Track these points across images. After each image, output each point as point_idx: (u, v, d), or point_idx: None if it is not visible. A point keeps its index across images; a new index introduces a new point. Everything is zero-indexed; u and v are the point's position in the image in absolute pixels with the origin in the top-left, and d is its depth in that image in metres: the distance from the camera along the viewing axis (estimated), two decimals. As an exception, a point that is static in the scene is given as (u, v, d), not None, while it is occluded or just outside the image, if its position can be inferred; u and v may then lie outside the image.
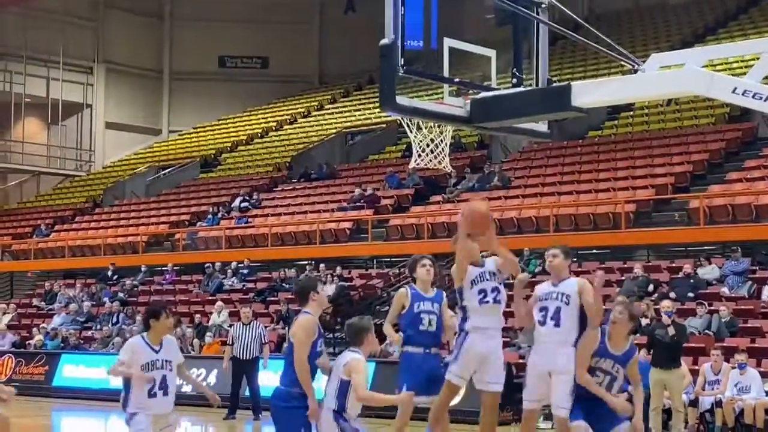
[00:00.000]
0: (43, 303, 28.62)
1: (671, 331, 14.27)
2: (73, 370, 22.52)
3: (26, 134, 41.92)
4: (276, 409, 7.41)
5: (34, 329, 25.37)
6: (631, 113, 29.28)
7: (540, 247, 22.40)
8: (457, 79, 8.34)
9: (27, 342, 24.94)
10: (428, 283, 9.10)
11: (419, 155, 8.77)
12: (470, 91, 8.39)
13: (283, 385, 7.33)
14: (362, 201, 27.32)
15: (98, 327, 25.13)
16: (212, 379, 20.05)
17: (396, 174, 28.33)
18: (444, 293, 9.22)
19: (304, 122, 39.83)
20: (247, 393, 16.94)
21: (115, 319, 25.10)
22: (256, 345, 16.81)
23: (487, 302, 8.46)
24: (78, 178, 41.90)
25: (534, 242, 22.66)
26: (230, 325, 22.54)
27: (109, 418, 18.60)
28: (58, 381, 22.46)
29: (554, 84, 8.49)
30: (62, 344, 24.25)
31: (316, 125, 38.30)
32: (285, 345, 7.60)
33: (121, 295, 26.83)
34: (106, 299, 26.69)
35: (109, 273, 28.64)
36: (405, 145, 29.99)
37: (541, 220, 23.17)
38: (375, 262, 25.75)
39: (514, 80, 8.43)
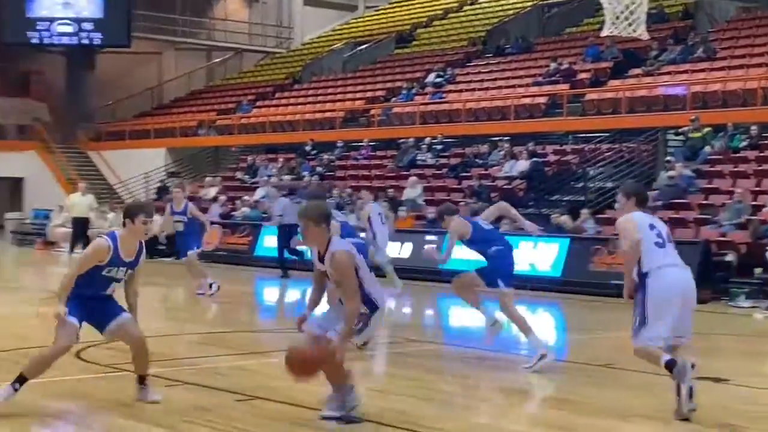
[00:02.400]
0: (246, 176, 29.71)
1: None
2: (273, 241, 23.36)
3: (228, 12, 42.97)
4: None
5: (238, 201, 26.47)
6: None
7: (746, 121, 21.41)
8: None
9: (232, 213, 26.02)
10: None
11: (612, 23, 8.41)
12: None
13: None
14: (558, 75, 26.71)
15: (298, 200, 25.84)
16: (406, 252, 20.41)
17: (596, 45, 27.46)
18: None
19: (499, -5, 39.03)
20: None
21: (313, 193, 25.79)
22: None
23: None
24: (278, 54, 42.77)
25: (739, 116, 21.66)
26: (424, 200, 22.85)
27: (304, 286, 19.30)
28: (259, 251, 23.41)
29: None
30: (264, 216, 25.17)
31: (512, -2, 37.48)
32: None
33: (319, 169, 27.50)
34: (305, 173, 27.42)
35: (308, 148, 29.34)
36: (603, 17, 28.92)
37: (748, 93, 22.04)
38: (570, 137, 25.26)
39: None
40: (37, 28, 37.19)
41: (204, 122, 35.01)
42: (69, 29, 37.35)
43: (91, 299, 7.12)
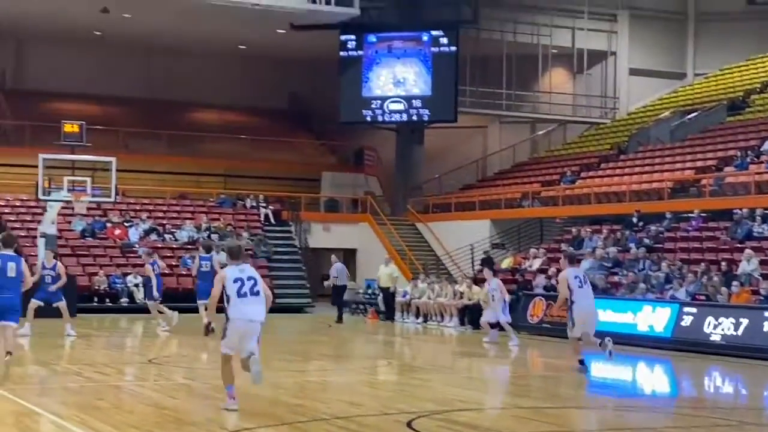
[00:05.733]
0: (570, 248, 29.40)
1: None
2: (601, 315, 22.84)
3: (553, 84, 43.22)
4: None
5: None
6: None
7: None
8: None
9: (554, 285, 25.78)
10: None
11: None
12: None
13: None
14: None
15: (624, 273, 25.27)
16: (741, 330, 19.28)
17: None
18: None
19: (842, 56, 36.64)
20: None
21: (641, 266, 25.10)
22: None
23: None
24: (602, 125, 42.36)
25: None
26: (761, 274, 21.57)
27: (636, 362, 18.66)
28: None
29: None
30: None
31: None
32: None
33: (646, 241, 26.74)
34: (631, 245, 26.74)
35: (634, 219, 28.64)
36: None
37: None
38: None
39: None
40: (371, 106, 39.20)
41: (528, 194, 35.19)
42: (400, 107, 39.06)
43: None
